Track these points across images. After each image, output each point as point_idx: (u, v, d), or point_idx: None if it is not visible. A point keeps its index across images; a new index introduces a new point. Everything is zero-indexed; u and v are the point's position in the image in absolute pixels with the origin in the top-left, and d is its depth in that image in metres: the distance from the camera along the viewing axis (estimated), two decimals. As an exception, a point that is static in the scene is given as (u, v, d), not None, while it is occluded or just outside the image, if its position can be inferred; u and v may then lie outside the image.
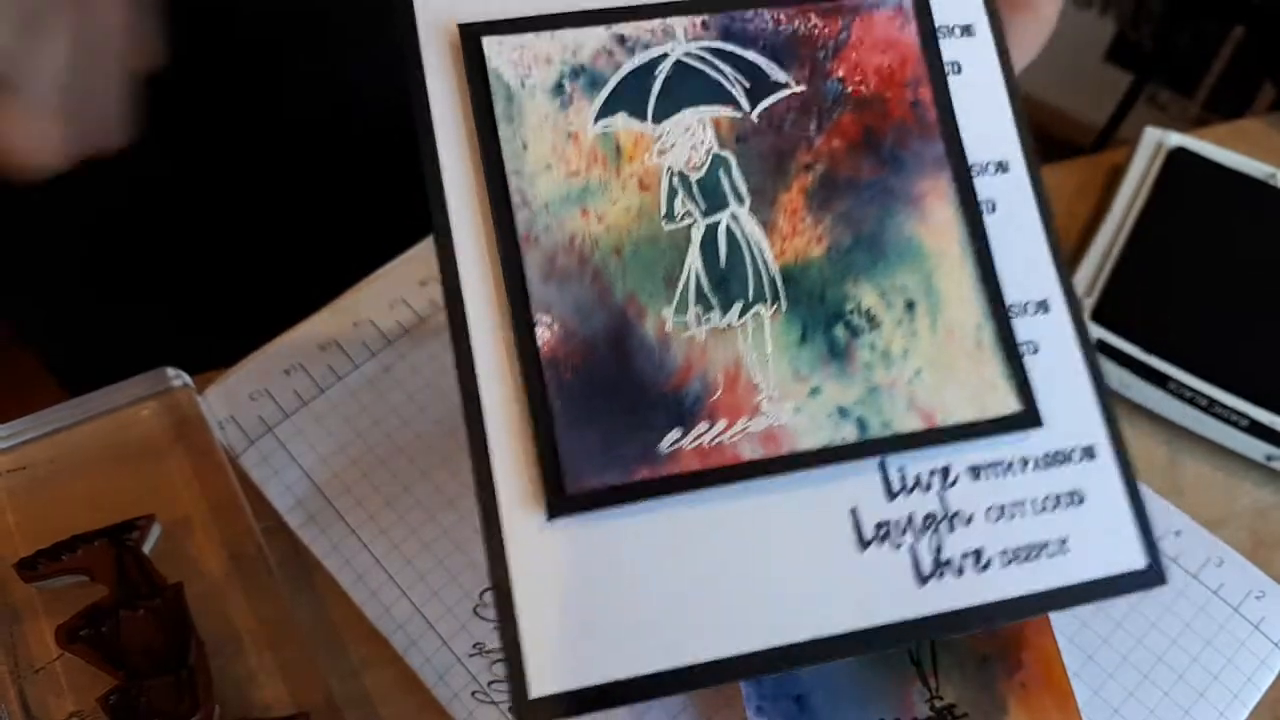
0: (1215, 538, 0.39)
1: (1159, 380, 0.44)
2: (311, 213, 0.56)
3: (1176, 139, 0.53)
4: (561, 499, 0.24)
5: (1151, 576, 0.26)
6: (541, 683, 0.23)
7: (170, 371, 0.42)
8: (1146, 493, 0.27)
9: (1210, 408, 0.44)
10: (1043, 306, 0.27)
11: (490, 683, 0.36)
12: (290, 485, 0.40)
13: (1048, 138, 1.53)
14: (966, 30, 0.29)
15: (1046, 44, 0.34)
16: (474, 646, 0.37)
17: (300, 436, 0.41)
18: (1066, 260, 0.28)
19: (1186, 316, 0.47)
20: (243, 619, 0.38)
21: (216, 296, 0.58)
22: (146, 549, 0.39)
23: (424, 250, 0.45)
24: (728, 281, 0.26)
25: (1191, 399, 0.44)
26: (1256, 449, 0.44)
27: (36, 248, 0.59)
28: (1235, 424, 0.44)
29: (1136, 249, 0.49)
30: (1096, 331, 0.46)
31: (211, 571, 0.39)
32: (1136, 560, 0.26)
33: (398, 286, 0.44)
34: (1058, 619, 0.36)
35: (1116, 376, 0.45)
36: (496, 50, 0.26)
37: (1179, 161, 0.52)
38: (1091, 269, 0.48)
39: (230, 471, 0.40)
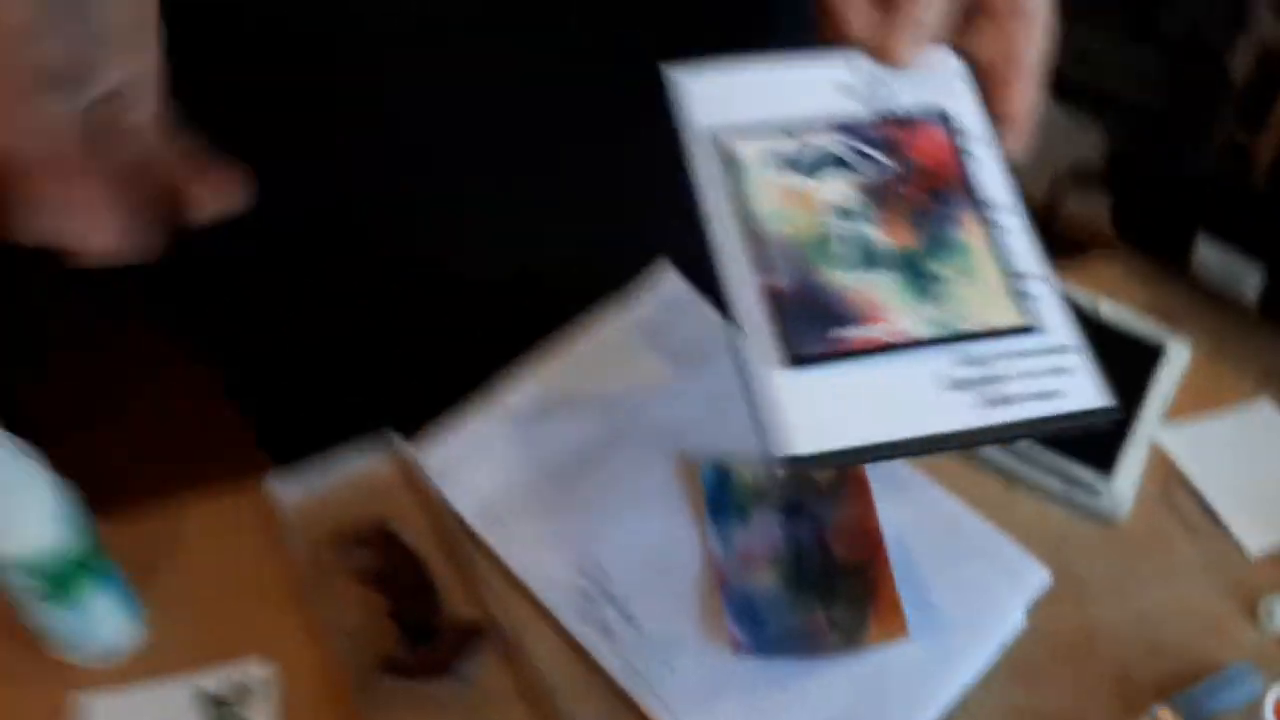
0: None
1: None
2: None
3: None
4: (794, 358, 0.44)
5: (1110, 410, 0.46)
6: (797, 444, 0.43)
7: (392, 434, 0.65)
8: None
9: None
10: (1036, 278, 0.49)
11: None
12: (475, 500, 0.63)
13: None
14: (979, 135, 0.52)
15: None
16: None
17: (477, 470, 0.64)
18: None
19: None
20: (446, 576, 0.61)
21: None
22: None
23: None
24: (867, 259, 0.47)
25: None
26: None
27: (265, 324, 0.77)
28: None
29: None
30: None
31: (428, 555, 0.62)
32: (1101, 401, 0.46)
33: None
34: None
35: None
36: (736, 147, 0.49)
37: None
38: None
39: (440, 498, 0.63)
